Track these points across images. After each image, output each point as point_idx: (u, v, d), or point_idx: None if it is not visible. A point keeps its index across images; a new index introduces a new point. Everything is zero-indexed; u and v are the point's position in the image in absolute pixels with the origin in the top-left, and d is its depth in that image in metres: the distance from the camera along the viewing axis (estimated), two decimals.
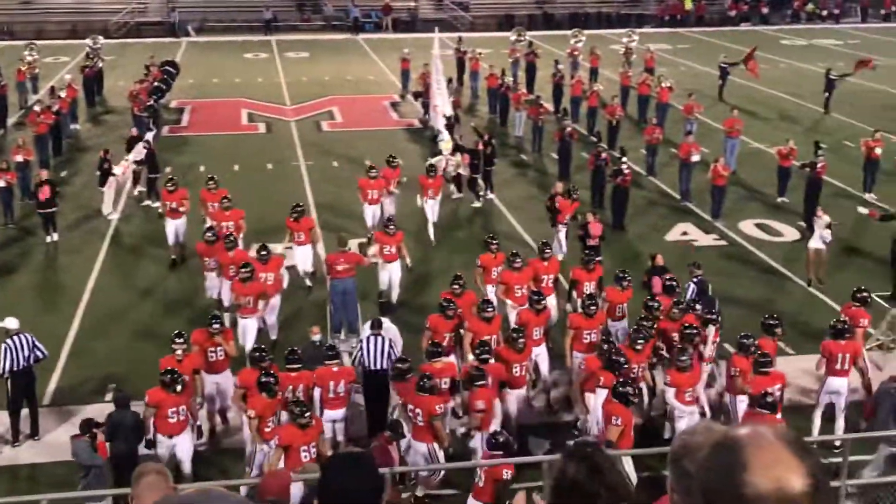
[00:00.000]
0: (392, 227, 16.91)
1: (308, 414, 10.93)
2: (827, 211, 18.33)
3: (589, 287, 14.90)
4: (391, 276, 16.81)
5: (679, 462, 2.52)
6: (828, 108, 32.35)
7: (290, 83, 38.01)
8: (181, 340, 12.44)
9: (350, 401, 12.59)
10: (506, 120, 30.63)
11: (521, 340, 12.82)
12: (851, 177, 23.87)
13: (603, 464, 3.10)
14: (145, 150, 22.68)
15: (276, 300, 15.53)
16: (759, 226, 21.59)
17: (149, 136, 24.10)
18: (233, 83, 38.24)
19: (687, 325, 13.05)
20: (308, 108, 33.55)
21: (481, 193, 23.14)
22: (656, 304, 13.69)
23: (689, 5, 56.70)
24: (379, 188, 19.64)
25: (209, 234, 16.41)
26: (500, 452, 10.60)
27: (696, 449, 2.46)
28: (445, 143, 22.57)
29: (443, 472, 11.61)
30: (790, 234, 21.00)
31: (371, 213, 19.74)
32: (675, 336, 13.19)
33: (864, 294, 14.10)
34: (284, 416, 11.56)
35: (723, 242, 20.64)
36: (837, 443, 12.39)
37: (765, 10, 57.77)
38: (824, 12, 58.66)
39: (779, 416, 11.54)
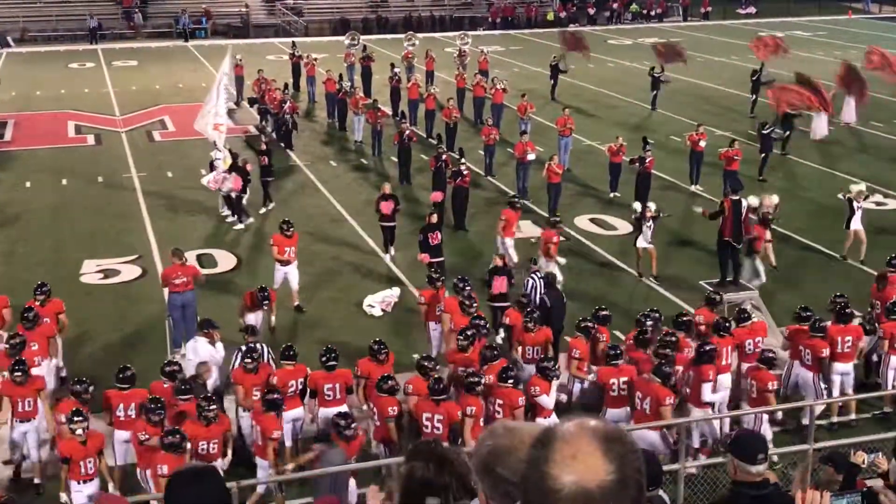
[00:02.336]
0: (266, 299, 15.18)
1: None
2: (655, 202, 18.99)
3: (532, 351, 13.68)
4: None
5: (493, 470, 2.46)
6: (655, 105, 33.58)
7: (119, 92, 36.83)
8: (80, 419, 11.07)
9: None
10: (344, 124, 30.55)
11: (384, 351, 12.59)
12: (678, 170, 24.88)
13: (450, 456, 3.12)
14: None
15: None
16: (593, 220, 22.22)
17: None
18: (58, 94, 36.77)
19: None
20: (139, 118, 32.58)
21: (264, 209, 22.57)
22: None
23: (550, 17, 58.17)
24: (294, 245, 17.39)
25: None
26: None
27: (507, 451, 2.42)
28: (224, 160, 21.73)
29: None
30: (623, 227, 21.67)
31: (283, 275, 17.21)
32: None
33: None
34: None
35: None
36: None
37: (591, 11, 59.64)
38: (652, 12, 60.98)
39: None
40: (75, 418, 11.02)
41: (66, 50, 47.87)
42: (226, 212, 22.23)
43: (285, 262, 17.13)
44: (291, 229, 17.39)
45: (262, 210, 22.55)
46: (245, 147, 22.34)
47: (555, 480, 2.00)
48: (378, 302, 17.32)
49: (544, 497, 2.01)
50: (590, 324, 13.45)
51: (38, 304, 14.39)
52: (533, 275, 15.45)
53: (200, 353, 13.21)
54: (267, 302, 15.15)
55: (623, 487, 2.00)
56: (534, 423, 2.56)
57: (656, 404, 11.66)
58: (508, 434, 2.47)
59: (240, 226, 21.67)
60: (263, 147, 23.24)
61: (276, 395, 11.58)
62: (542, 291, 15.03)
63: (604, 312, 14.00)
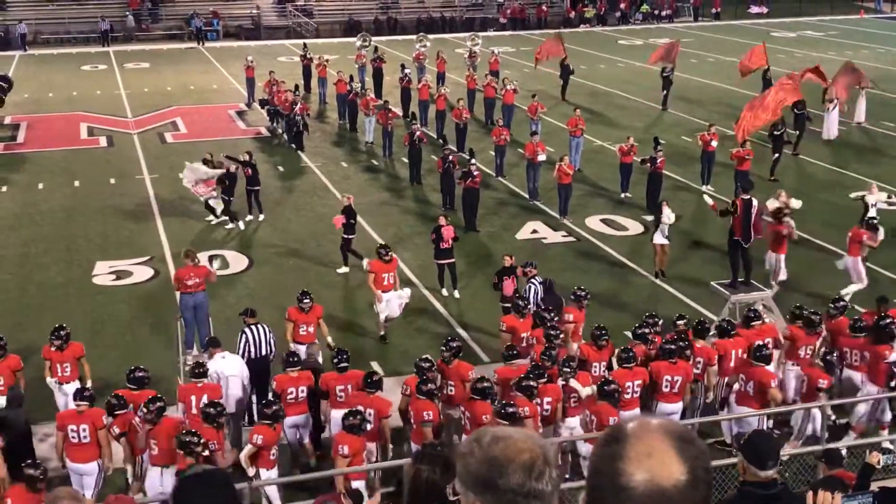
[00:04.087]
0: (308, 300, 14.23)
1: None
2: (668, 204, 18.93)
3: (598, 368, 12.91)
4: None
5: (494, 483, 2.23)
6: (665, 104, 33.53)
7: (131, 94, 36.97)
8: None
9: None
10: (355, 126, 30.58)
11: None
12: (690, 170, 24.83)
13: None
14: None
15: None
16: (604, 221, 22.18)
17: None
18: (70, 96, 36.94)
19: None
20: (151, 120, 32.69)
21: (251, 217, 22.20)
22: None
23: (590, 13, 58.40)
24: (393, 270, 16.03)
25: None
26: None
27: (508, 461, 2.24)
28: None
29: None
30: (634, 227, 21.67)
31: (385, 305, 15.79)
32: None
33: None
34: None
35: (571, 239, 21.13)
36: None
37: (601, 11, 59.60)
38: (663, 13, 60.86)
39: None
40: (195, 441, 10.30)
41: (79, 52, 48.09)
42: (215, 218, 22.02)
43: (387, 289, 15.80)
44: (390, 254, 16.05)
45: (249, 218, 22.06)
46: (228, 160, 21.99)
47: (629, 478, 2.02)
48: None
49: (616, 494, 2.03)
50: (647, 330, 13.25)
51: (54, 349, 12.72)
52: (532, 280, 15.34)
53: (239, 367, 12.92)
54: (309, 302, 14.18)
55: (694, 487, 2.03)
56: (522, 429, 2.47)
57: (760, 386, 12.03)
58: (501, 443, 2.27)
59: (241, 225, 21.69)
60: (246, 158, 22.25)
61: (377, 376, 11.92)
62: (541, 297, 14.98)
63: (653, 319, 13.76)
